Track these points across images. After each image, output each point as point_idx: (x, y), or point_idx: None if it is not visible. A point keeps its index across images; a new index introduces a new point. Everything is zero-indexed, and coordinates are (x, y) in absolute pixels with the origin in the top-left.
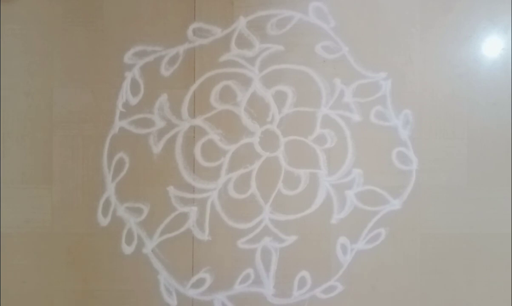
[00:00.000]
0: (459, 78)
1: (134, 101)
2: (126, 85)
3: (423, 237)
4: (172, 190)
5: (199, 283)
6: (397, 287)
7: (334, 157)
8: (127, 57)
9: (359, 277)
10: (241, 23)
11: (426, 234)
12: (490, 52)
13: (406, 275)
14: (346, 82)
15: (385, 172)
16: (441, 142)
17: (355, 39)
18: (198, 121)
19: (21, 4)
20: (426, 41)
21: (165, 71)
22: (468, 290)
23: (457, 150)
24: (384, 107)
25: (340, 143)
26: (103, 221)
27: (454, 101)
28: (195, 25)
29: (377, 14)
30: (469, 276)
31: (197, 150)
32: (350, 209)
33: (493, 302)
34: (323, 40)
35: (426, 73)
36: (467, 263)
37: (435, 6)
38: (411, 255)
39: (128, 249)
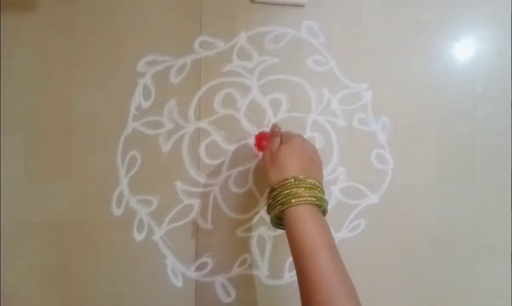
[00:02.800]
0: (429, 90)
1: (146, 105)
2: (139, 90)
3: (397, 227)
4: (179, 185)
5: (202, 266)
6: (374, 271)
7: (322, 157)
8: (140, 66)
9: None
10: (242, 37)
11: (400, 225)
12: (456, 68)
13: (382, 260)
14: (333, 92)
15: (365, 171)
16: (413, 145)
17: (342, 54)
18: (203, 124)
19: (41, 13)
20: (402, 58)
21: (174, 79)
22: (434, 273)
23: (427, 152)
24: (365, 114)
25: (327, 145)
26: (117, 211)
27: (424, 110)
28: (201, 38)
29: (360, 33)
30: (435, 261)
31: (202, 149)
32: (334, 202)
33: (454, 283)
34: (313, 54)
35: (402, 85)
36: (434, 250)
37: (411, 27)
38: (386, 242)
39: (139, 237)
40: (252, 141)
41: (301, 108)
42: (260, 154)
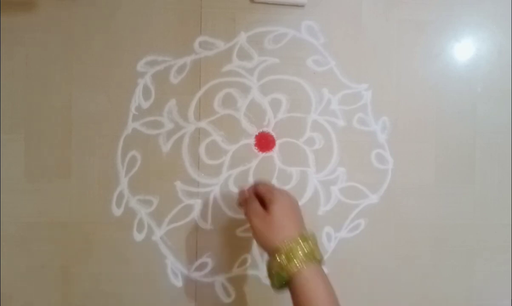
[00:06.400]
0: (430, 90)
1: (145, 105)
2: (139, 90)
3: (397, 227)
4: (179, 185)
5: (202, 266)
6: (374, 271)
7: (322, 157)
8: (140, 66)
9: (342, 261)
10: (242, 38)
11: (400, 225)
12: (456, 68)
13: (382, 260)
14: (333, 92)
15: (365, 171)
16: (413, 145)
17: (342, 54)
18: (203, 124)
19: (41, 13)
20: (402, 58)
21: (174, 79)
22: (434, 273)
23: (427, 152)
24: (365, 114)
25: (327, 145)
26: (117, 211)
27: (424, 110)
28: (201, 38)
29: (360, 33)
30: (435, 261)
31: (202, 150)
32: (334, 203)
33: (454, 283)
34: (313, 55)
35: (401, 85)
36: (434, 250)
37: (410, 28)
38: (386, 242)
39: (139, 237)
40: (252, 141)
41: (301, 108)
42: (260, 154)
